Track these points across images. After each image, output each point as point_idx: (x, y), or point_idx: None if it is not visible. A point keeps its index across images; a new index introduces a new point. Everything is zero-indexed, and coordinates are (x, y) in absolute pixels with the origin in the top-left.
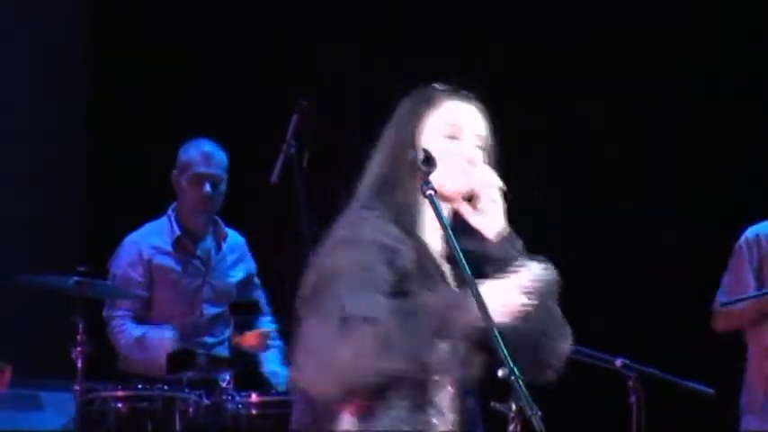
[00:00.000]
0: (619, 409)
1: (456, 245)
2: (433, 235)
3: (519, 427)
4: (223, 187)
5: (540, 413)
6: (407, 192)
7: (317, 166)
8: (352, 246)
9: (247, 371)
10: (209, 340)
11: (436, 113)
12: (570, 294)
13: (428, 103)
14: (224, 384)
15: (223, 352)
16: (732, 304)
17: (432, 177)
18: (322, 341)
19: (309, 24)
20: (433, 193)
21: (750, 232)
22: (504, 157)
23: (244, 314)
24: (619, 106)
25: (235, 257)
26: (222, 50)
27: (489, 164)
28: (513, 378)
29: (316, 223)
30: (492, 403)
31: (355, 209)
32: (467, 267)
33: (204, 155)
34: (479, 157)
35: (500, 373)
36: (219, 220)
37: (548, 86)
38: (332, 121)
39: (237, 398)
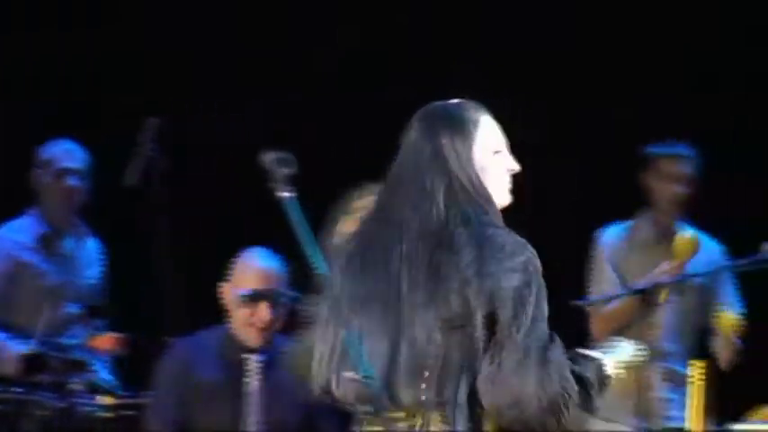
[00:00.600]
0: None
1: (312, 250)
2: None
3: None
4: (86, 183)
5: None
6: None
7: (175, 170)
8: (528, 269)
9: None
10: (69, 341)
11: (479, 131)
12: None
13: (474, 120)
14: (77, 387)
15: (79, 354)
16: (594, 304)
17: (491, 193)
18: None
19: (172, 29)
20: (289, 195)
21: (604, 234)
22: None
23: (99, 316)
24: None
25: (94, 258)
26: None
27: None
28: (364, 381)
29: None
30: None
31: (495, 229)
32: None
33: (67, 151)
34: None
35: (348, 375)
36: (80, 221)
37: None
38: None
39: (90, 400)
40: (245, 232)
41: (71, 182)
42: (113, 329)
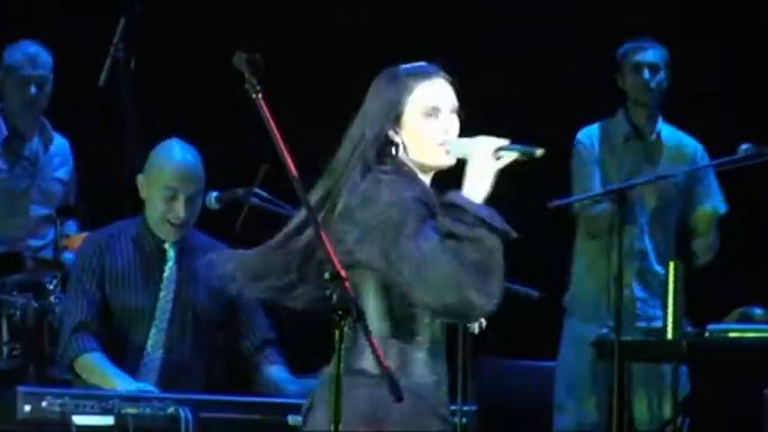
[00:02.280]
0: None
1: (282, 148)
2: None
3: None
4: (49, 88)
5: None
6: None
7: (145, 70)
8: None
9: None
10: (36, 243)
11: (411, 98)
12: None
13: (404, 89)
14: (51, 287)
15: (49, 254)
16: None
17: (411, 154)
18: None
19: None
20: (259, 96)
21: (583, 135)
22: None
23: (71, 216)
24: None
25: (60, 160)
26: None
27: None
28: (338, 280)
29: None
30: None
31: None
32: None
33: (29, 57)
34: (456, 126)
35: (326, 275)
36: (46, 122)
37: None
38: (160, 26)
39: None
40: (216, 131)
41: (33, 90)
42: (85, 229)
